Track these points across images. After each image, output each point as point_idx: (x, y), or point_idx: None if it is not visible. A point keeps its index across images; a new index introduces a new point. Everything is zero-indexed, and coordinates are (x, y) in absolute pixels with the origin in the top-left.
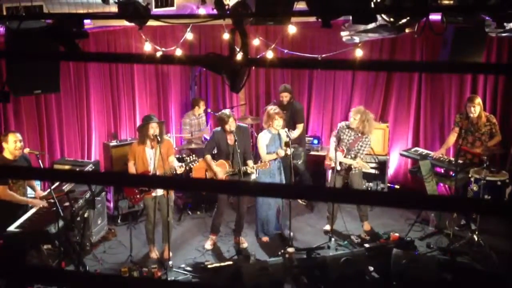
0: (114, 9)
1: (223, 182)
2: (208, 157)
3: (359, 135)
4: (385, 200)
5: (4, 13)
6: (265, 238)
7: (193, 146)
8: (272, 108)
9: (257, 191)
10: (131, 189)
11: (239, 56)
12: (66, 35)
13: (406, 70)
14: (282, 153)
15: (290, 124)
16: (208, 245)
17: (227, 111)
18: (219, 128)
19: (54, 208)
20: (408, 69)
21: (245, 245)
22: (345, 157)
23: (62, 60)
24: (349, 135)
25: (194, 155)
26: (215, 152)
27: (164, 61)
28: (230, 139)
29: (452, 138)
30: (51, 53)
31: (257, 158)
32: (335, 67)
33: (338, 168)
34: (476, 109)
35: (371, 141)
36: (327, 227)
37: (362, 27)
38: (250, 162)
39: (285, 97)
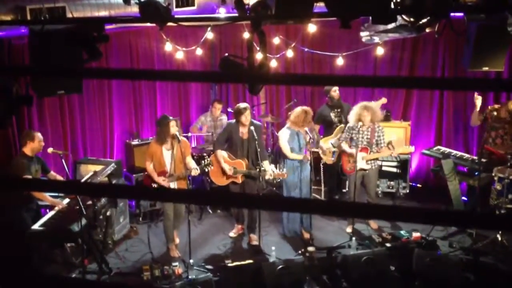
0: (135, 9)
1: (240, 196)
2: (219, 152)
3: (372, 127)
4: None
5: (28, 14)
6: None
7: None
8: (310, 110)
9: (275, 206)
10: (149, 185)
11: (259, 55)
12: (87, 39)
13: (406, 87)
14: (306, 157)
15: (344, 123)
16: (232, 233)
17: (244, 104)
18: (233, 121)
19: (77, 207)
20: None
21: (255, 242)
22: (369, 153)
23: (84, 78)
24: (362, 132)
25: (209, 158)
26: (227, 147)
27: (183, 78)
28: (243, 133)
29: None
30: (74, 70)
31: (280, 157)
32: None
33: (368, 167)
34: (506, 113)
35: (394, 139)
36: (349, 229)
37: (381, 27)
38: (266, 164)
39: (336, 91)
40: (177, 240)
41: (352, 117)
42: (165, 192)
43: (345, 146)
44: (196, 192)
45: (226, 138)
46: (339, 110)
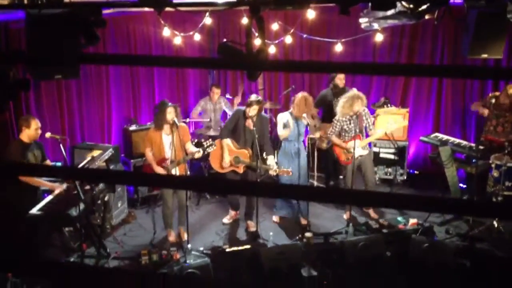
0: None
1: (240, 183)
2: (225, 141)
3: (358, 112)
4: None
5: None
6: (276, 219)
7: (211, 132)
8: (309, 97)
9: (272, 192)
10: (149, 173)
11: (257, 42)
12: (85, 24)
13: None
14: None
15: None
16: (226, 219)
17: (256, 97)
18: (243, 107)
19: (75, 192)
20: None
21: (253, 229)
22: (362, 139)
23: (83, 63)
24: (350, 120)
25: (211, 140)
26: (232, 133)
27: (181, 64)
28: (249, 123)
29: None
30: (78, 55)
31: (277, 143)
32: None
33: (365, 152)
34: (507, 99)
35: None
36: (346, 216)
37: (381, 13)
38: (271, 159)
39: (341, 79)
40: (185, 237)
41: (343, 108)
42: (166, 179)
43: (336, 140)
44: (198, 179)
45: (232, 124)
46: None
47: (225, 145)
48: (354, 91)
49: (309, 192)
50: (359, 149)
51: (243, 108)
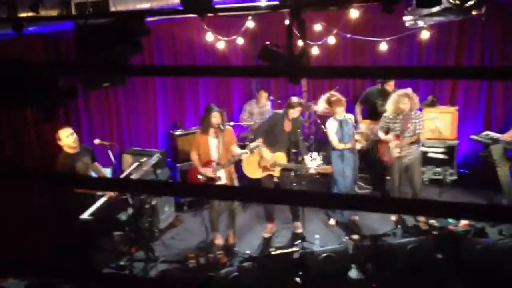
0: (176, 0)
1: (284, 192)
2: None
3: (407, 113)
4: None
5: (73, 8)
6: (332, 223)
7: None
8: (333, 95)
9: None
10: (195, 176)
11: (300, 43)
12: (128, 33)
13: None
14: (348, 145)
15: None
16: (266, 233)
17: (297, 99)
18: (281, 111)
19: (124, 196)
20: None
21: (299, 230)
22: (401, 140)
23: (129, 75)
24: (397, 120)
25: (256, 142)
26: (267, 136)
27: (223, 73)
28: (287, 126)
29: None
30: (119, 67)
31: (324, 145)
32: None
33: (404, 153)
34: None
35: (441, 125)
36: (394, 217)
37: (426, 10)
38: (307, 159)
39: (391, 85)
40: (232, 240)
41: (390, 105)
42: (208, 189)
43: (381, 135)
44: (239, 190)
45: (269, 127)
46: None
47: (262, 149)
48: (405, 90)
49: (354, 202)
50: (396, 150)
51: (281, 111)
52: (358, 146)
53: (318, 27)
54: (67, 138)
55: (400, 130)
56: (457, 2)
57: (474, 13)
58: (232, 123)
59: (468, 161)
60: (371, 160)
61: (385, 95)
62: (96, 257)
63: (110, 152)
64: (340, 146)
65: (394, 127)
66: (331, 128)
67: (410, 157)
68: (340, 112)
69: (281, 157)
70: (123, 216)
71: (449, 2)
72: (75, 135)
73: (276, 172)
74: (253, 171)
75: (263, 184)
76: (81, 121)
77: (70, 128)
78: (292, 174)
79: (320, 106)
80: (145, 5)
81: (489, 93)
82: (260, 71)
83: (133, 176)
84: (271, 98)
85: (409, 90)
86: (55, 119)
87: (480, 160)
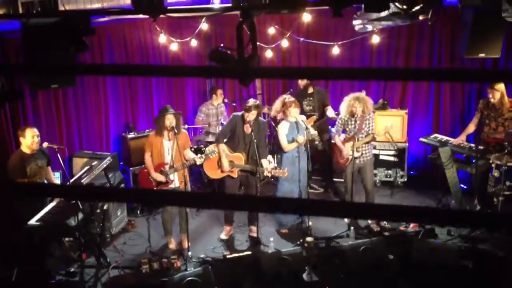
0: (128, 0)
1: (243, 198)
2: (221, 146)
3: (362, 115)
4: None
5: (20, 8)
6: (284, 230)
7: (210, 138)
8: (286, 97)
9: (272, 207)
10: (148, 181)
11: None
12: (73, 32)
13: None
14: (301, 139)
15: (320, 109)
16: (223, 235)
17: (254, 101)
18: (239, 113)
19: (74, 201)
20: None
21: (254, 234)
22: (356, 141)
23: (79, 75)
24: (352, 121)
25: (212, 147)
26: (228, 138)
27: (175, 73)
28: (247, 128)
29: (472, 124)
30: (69, 66)
31: (279, 148)
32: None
33: (357, 154)
34: (496, 94)
35: (392, 127)
36: (347, 219)
37: (374, 15)
38: (265, 162)
39: (303, 80)
40: (186, 244)
41: (344, 108)
42: (167, 196)
43: (337, 140)
44: (196, 195)
45: (229, 130)
46: (310, 98)
47: (222, 150)
48: (357, 93)
49: (308, 206)
50: (351, 151)
51: (239, 113)
52: (320, 146)
53: (272, 30)
54: (31, 138)
55: (355, 131)
56: (404, 7)
57: (421, 18)
58: (186, 126)
59: (417, 163)
60: (326, 161)
61: (305, 95)
62: (45, 264)
63: (59, 156)
64: (289, 147)
65: (350, 128)
66: (281, 130)
67: (363, 159)
68: (294, 113)
69: (239, 158)
70: (72, 221)
71: (397, 7)
72: (39, 138)
73: (234, 173)
74: (213, 172)
75: (227, 184)
76: (28, 123)
77: (36, 130)
78: (258, 177)
79: (275, 109)
80: (96, 5)
81: (437, 97)
82: (210, 72)
83: (84, 180)
84: (226, 100)
85: (361, 94)
86: None
87: (429, 162)
